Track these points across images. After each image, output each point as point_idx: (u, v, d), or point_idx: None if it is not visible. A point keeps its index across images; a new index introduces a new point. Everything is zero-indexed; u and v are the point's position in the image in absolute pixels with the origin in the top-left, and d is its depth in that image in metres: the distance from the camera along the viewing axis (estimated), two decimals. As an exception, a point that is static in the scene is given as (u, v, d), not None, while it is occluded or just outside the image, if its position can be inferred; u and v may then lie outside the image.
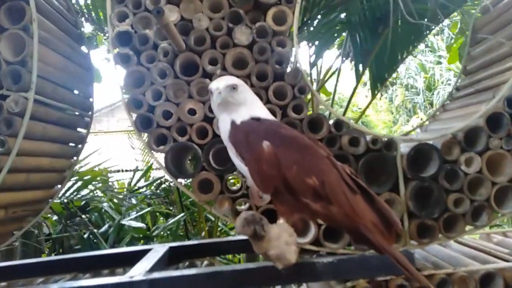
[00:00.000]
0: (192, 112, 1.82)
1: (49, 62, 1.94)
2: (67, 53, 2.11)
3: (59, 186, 2.31)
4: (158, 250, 2.18)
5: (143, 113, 1.82)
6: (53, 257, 2.97)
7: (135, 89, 1.84)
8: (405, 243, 1.81)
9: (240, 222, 1.19)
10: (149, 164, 4.98)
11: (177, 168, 1.92)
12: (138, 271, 1.77)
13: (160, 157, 1.92)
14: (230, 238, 3.09)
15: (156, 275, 1.72)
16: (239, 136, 1.34)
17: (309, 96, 2.50)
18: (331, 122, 1.81)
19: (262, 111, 1.45)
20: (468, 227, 1.84)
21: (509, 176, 1.81)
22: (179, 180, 2.00)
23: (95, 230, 3.83)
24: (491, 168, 1.81)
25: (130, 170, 5.66)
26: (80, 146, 2.36)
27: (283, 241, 1.18)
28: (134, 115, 1.85)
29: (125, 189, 4.85)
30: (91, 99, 2.38)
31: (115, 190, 4.94)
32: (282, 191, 1.31)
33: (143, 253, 2.13)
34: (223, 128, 1.40)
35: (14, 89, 1.84)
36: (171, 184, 4.69)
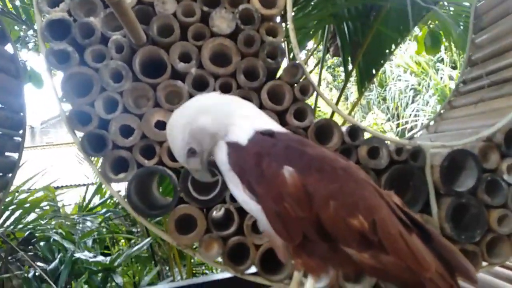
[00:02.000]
0: (161, 125, 1.35)
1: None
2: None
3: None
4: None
5: (92, 130, 1.32)
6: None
7: (79, 98, 1.34)
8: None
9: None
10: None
11: (142, 199, 1.44)
12: None
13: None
14: (210, 277, 2.62)
15: None
16: (246, 160, 0.89)
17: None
18: (344, 129, 1.42)
19: (266, 120, 1.01)
20: None
21: (555, 184, 1.50)
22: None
23: (43, 267, 3.21)
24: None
25: (83, 185, 5.01)
26: (10, 175, 1.80)
27: None
28: (80, 134, 1.36)
29: (76, 211, 4.22)
30: (22, 114, 1.83)
31: (66, 214, 4.29)
32: (313, 239, 0.89)
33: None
34: (217, 154, 0.95)
35: None
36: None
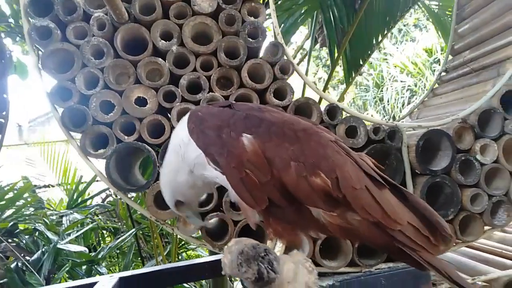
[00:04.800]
0: (141, 102, 1.36)
1: None
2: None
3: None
4: (105, 284, 1.70)
5: (72, 105, 1.33)
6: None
7: (61, 74, 1.35)
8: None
9: (232, 259, 0.76)
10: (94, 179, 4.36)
11: (123, 178, 1.45)
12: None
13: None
14: (193, 261, 2.62)
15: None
16: (207, 134, 0.91)
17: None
18: (322, 109, 1.44)
19: None
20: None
21: (527, 165, 1.54)
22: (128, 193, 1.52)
23: (26, 257, 3.17)
24: (505, 156, 1.53)
25: (62, 184, 4.96)
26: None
27: (302, 283, 0.77)
28: (61, 109, 1.36)
29: (65, 207, 4.17)
30: (5, 95, 1.83)
31: (51, 207, 4.25)
32: (279, 203, 0.90)
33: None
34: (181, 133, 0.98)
35: None
36: (118, 196, 4.10)
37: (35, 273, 2.81)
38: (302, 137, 0.92)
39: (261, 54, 1.48)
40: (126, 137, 1.36)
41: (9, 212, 3.47)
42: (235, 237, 1.39)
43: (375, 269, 1.47)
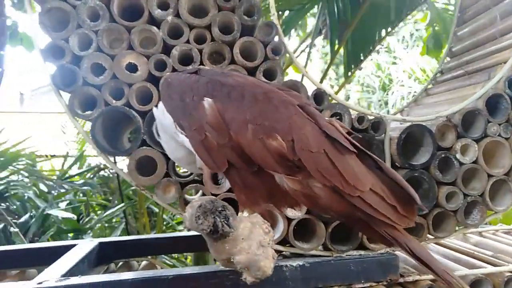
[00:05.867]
0: (132, 68, 1.39)
1: None
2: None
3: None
4: (84, 247, 1.74)
5: (64, 64, 1.35)
6: None
7: (56, 32, 1.37)
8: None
9: (192, 212, 0.79)
10: (83, 150, 4.39)
11: (110, 142, 1.47)
12: (51, 275, 1.35)
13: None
14: (176, 233, 2.67)
15: (74, 280, 1.30)
16: (173, 98, 0.96)
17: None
18: (310, 93, 1.47)
19: None
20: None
21: (505, 169, 1.57)
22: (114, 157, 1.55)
23: (14, 221, 3.22)
24: (486, 158, 1.56)
25: (60, 156, 4.99)
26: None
27: (256, 241, 0.80)
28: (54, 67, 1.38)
29: (55, 176, 4.20)
30: (2, 52, 1.85)
31: (44, 176, 4.28)
32: (240, 167, 0.92)
33: (66, 249, 1.69)
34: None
35: None
36: (111, 170, 4.13)
37: (21, 235, 2.85)
38: (261, 100, 0.94)
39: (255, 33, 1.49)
40: (114, 101, 1.38)
41: (1, 175, 3.50)
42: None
43: (346, 255, 1.50)
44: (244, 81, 1.00)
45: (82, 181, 4.20)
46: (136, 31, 1.38)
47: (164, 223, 4.02)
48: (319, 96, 1.46)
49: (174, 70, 1.40)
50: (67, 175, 4.19)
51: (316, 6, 2.80)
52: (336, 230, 1.49)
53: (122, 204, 3.58)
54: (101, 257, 1.80)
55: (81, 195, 4.30)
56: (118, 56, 1.37)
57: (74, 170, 4.42)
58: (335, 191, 0.90)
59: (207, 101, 0.92)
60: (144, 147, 1.39)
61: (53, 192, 3.80)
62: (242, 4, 1.43)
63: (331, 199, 0.91)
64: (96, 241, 1.84)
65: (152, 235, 3.15)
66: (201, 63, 1.42)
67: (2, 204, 3.50)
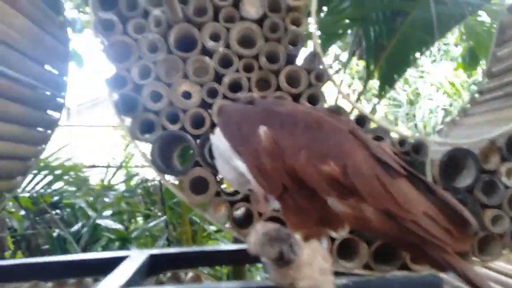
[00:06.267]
0: (186, 95, 1.51)
1: (13, 25, 1.59)
2: (38, 18, 1.76)
3: (21, 177, 1.95)
4: (136, 258, 1.86)
5: (126, 92, 1.49)
6: (11, 261, 2.58)
7: (119, 63, 1.51)
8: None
9: (258, 239, 0.86)
10: (127, 159, 4.63)
11: (164, 163, 1.60)
12: (111, 285, 1.45)
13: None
14: (218, 247, 2.76)
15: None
16: (232, 129, 1.04)
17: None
18: (351, 117, 1.53)
19: None
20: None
21: (552, 193, 1.55)
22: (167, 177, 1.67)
23: (66, 229, 3.45)
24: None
25: (107, 166, 5.27)
26: (49, 131, 2.01)
27: (317, 268, 0.87)
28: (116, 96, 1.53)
29: (100, 186, 4.45)
30: (65, 78, 2.04)
31: (91, 186, 4.54)
32: (293, 191, 0.98)
33: (119, 260, 1.81)
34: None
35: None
36: (154, 183, 4.33)
37: (74, 243, 3.05)
38: (314, 127, 1.00)
39: (298, 60, 1.58)
40: (170, 125, 1.50)
41: (55, 186, 3.75)
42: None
43: (389, 275, 1.53)
44: (296, 109, 1.08)
45: (125, 189, 4.44)
46: (191, 61, 1.51)
47: (205, 233, 4.15)
48: (361, 120, 1.52)
49: (225, 97, 1.51)
50: (110, 185, 4.43)
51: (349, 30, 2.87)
52: (379, 249, 1.52)
53: (165, 217, 3.74)
54: (152, 268, 1.92)
55: (123, 205, 4.52)
56: (174, 84, 1.50)
57: (119, 179, 4.65)
58: (387, 214, 0.92)
59: (262, 129, 0.99)
60: (197, 168, 1.50)
61: (100, 199, 4.04)
62: (287, 35, 1.52)
63: (383, 222, 0.93)
64: (147, 252, 1.95)
65: (198, 248, 3.25)
66: (249, 90, 1.52)
67: (55, 212, 3.76)
